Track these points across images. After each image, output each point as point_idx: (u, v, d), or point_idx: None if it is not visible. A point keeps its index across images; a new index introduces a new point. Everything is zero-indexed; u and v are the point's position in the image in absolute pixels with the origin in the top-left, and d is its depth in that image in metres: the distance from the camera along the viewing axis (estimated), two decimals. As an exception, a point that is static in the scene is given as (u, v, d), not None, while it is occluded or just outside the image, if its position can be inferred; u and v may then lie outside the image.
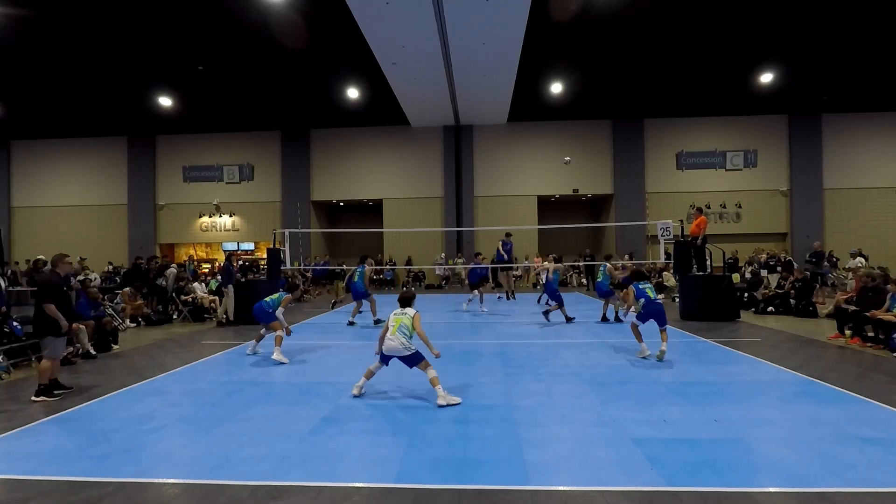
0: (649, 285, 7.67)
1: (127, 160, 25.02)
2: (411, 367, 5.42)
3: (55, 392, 5.79)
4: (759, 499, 3.17)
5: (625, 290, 11.75)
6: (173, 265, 13.54)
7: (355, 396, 5.47)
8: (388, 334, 5.42)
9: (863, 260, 13.11)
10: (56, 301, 5.80)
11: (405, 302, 5.66)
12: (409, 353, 5.31)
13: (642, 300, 7.53)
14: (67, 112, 21.42)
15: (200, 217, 25.21)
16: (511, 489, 3.33)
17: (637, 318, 7.60)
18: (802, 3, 13.30)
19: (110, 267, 22.20)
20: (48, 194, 25.36)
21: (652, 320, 7.36)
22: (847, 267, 13.47)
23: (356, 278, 10.91)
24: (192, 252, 25.77)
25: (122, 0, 12.57)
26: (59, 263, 6.15)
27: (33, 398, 5.64)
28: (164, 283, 12.88)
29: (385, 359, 5.47)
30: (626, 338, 9.08)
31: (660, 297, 9.49)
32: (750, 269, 15.79)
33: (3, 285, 8.66)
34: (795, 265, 13.88)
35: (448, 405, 5.10)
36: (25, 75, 17.29)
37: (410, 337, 5.37)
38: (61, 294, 5.95)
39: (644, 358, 7.24)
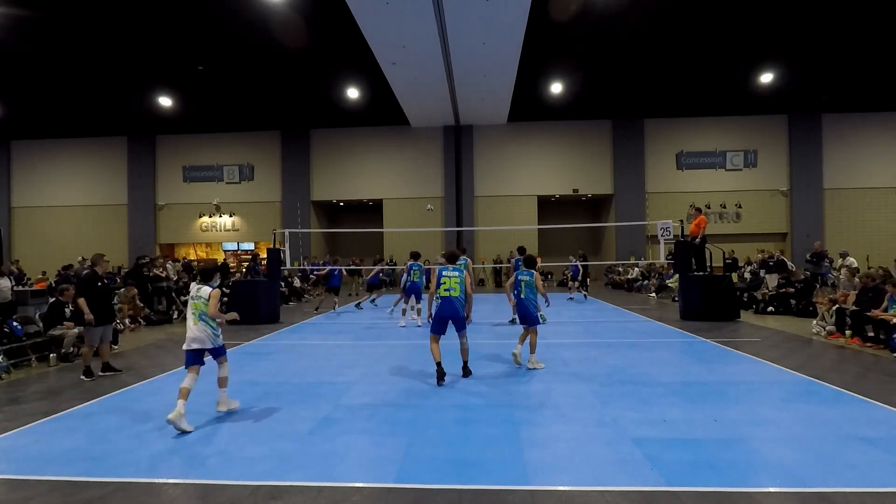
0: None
1: (127, 160, 25.03)
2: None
3: (101, 374, 6.64)
4: (759, 499, 3.16)
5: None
6: (159, 261, 13.63)
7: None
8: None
9: (853, 260, 13.09)
10: (87, 296, 6.48)
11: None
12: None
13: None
14: (67, 112, 21.42)
15: (200, 217, 25.21)
16: (511, 489, 3.33)
17: None
18: (802, 4, 13.31)
19: (114, 268, 22.19)
20: (48, 194, 25.34)
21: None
22: (837, 266, 13.38)
23: None
24: (191, 252, 25.79)
25: (123, 0, 12.59)
26: (99, 263, 6.84)
27: (82, 377, 6.47)
28: (167, 285, 12.96)
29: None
30: (625, 338, 9.10)
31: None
32: (749, 269, 15.78)
33: (10, 284, 8.72)
34: (789, 264, 13.82)
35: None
36: (25, 75, 17.29)
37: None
38: (94, 290, 6.58)
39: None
